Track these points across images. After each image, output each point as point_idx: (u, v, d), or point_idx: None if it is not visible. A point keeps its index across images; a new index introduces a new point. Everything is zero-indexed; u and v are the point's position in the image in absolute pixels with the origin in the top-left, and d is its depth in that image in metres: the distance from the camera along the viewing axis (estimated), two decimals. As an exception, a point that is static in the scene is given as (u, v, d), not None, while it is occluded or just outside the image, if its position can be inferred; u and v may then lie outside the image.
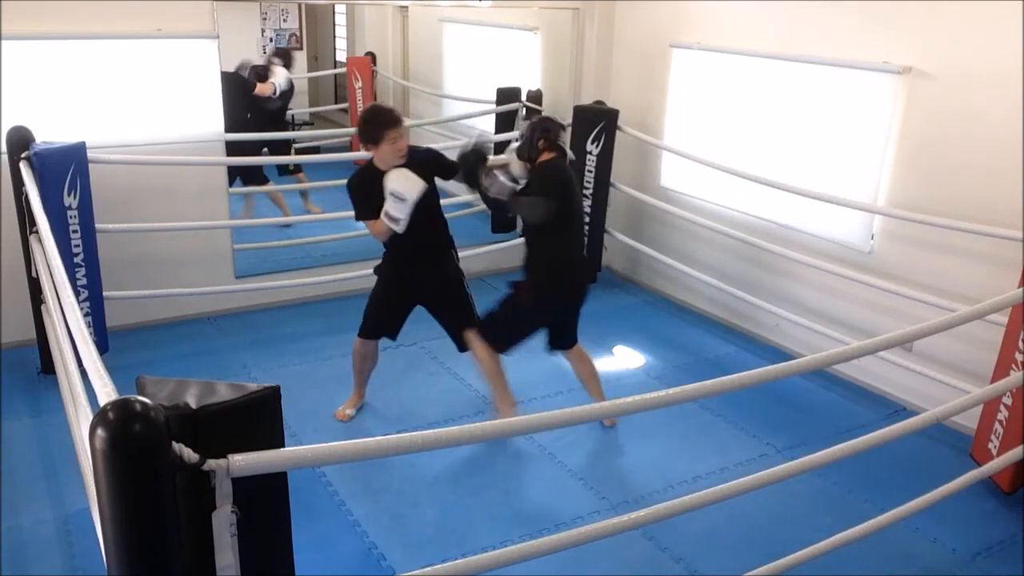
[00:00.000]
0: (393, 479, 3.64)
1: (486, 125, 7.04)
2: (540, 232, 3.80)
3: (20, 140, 4.09)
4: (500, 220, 6.15)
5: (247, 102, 6.67)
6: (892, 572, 3.18)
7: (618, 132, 5.73)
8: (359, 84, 8.25)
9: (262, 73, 6.89)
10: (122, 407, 1.47)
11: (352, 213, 3.84)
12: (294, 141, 7.49)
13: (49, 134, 4.21)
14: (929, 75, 4.16)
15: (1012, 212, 3.84)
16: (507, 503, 3.57)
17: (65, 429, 3.40)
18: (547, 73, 6.66)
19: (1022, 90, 3.77)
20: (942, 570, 3.23)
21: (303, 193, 7.15)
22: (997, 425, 3.62)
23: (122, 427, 1.45)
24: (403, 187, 3.56)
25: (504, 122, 6.66)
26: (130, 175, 4.70)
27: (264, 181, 6.67)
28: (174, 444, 1.50)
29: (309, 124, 8.92)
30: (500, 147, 5.58)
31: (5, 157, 4.17)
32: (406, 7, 8.62)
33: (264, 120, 6.80)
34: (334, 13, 9.70)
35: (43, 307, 4.15)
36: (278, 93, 6.93)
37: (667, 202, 5.67)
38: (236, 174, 6.33)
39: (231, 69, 6.40)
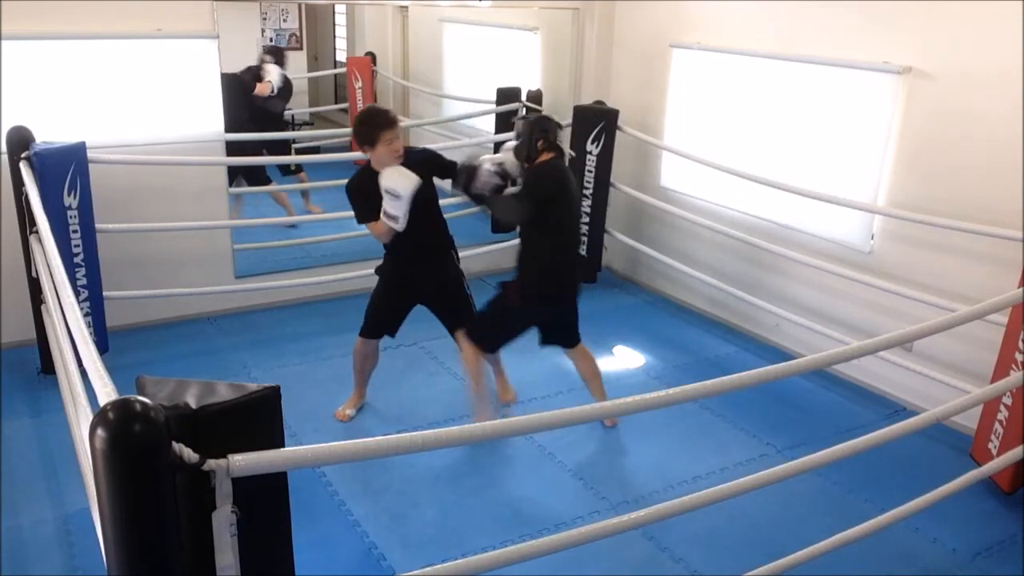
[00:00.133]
0: (393, 479, 3.64)
1: (486, 125, 7.04)
2: (536, 231, 3.78)
3: (20, 140, 4.09)
4: (500, 220, 6.14)
5: (246, 103, 6.66)
6: (892, 572, 3.18)
7: (618, 132, 5.73)
8: (359, 84, 8.24)
9: (256, 73, 6.88)
10: (122, 407, 1.47)
11: (352, 214, 3.84)
12: (294, 141, 7.49)
13: (49, 134, 4.21)
14: (929, 75, 4.16)
15: (1012, 212, 3.84)
16: (507, 503, 3.57)
17: (65, 429, 3.40)
18: (547, 73, 6.66)
19: (1022, 90, 3.78)
20: (942, 570, 3.23)
21: (304, 193, 7.15)
22: (997, 425, 3.62)
23: (122, 427, 1.45)
24: (396, 183, 3.55)
25: (504, 122, 6.66)
26: (130, 175, 4.71)
27: (267, 181, 6.67)
28: (174, 444, 1.50)
29: (309, 124, 8.92)
30: (499, 147, 5.56)
31: (5, 157, 4.17)
32: (406, 7, 8.61)
33: (264, 120, 6.80)
34: (334, 13, 9.69)
35: (43, 307, 4.15)
36: (276, 92, 6.92)
37: (667, 202, 5.67)
38: (238, 174, 6.33)
39: (231, 70, 6.39)
